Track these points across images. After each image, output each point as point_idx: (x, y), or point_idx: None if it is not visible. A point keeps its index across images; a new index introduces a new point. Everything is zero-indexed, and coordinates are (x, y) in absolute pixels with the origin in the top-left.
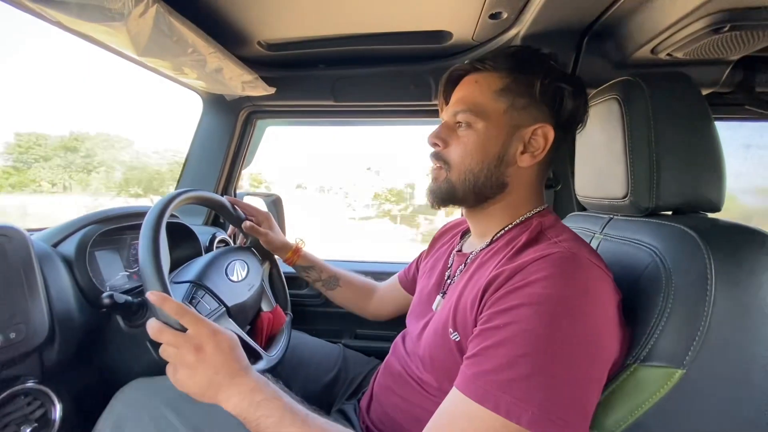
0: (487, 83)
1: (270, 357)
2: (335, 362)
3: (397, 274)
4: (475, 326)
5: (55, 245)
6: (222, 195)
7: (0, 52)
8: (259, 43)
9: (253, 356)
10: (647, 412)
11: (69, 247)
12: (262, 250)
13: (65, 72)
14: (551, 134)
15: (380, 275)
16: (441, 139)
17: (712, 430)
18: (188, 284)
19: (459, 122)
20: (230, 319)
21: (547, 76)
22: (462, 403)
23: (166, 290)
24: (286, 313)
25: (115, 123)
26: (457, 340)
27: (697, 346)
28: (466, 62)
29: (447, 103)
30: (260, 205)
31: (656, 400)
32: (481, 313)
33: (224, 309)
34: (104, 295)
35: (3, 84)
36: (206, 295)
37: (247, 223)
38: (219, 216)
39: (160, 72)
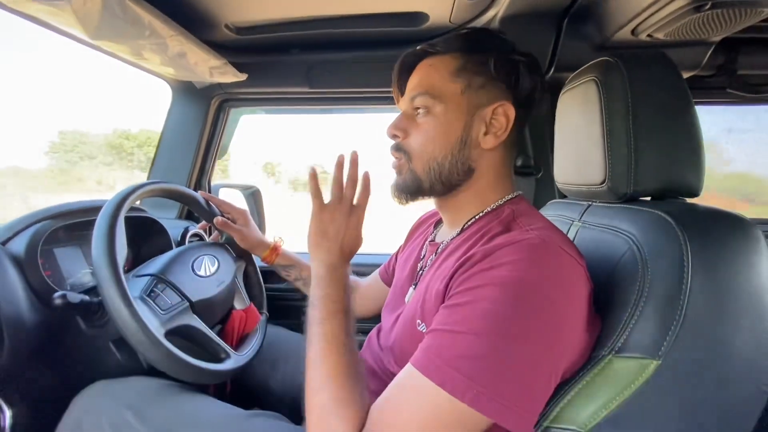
0: (443, 65)
1: (239, 356)
2: None
3: (378, 269)
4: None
5: (4, 243)
6: (195, 187)
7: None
8: (226, 26)
9: (220, 355)
10: (622, 404)
11: (18, 245)
12: (237, 247)
13: (105, 69)
14: (512, 112)
15: (364, 267)
16: (400, 129)
17: (689, 421)
18: (148, 277)
19: (417, 108)
20: (194, 315)
21: (501, 52)
22: (412, 376)
23: (120, 286)
24: (261, 313)
25: (154, 120)
26: (424, 331)
27: (672, 336)
28: (418, 48)
29: (402, 93)
30: (238, 197)
31: (631, 392)
32: (447, 298)
33: (187, 304)
34: (56, 294)
35: (43, 81)
36: (167, 288)
37: (220, 218)
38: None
39: (122, 58)
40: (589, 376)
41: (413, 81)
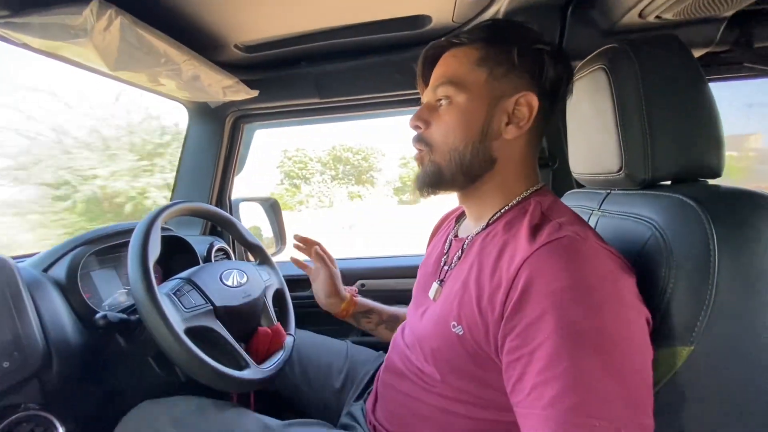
0: (465, 55)
1: (259, 369)
2: (343, 361)
3: None
4: (487, 330)
5: (45, 270)
6: (217, 203)
7: None
8: (236, 46)
9: (240, 363)
10: (658, 393)
11: (59, 271)
12: (269, 265)
13: None
14: (535, 102)
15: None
16: (422, 120)
17: (729, 407)
18: (177, 280)
19: (439, 99)
20: (216, 320)
21: (524, 41)
22: None
23: (152, 295)
24: (288, 334)
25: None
26: (460, 333)
27: (703, 321)
28: (442, 39)
29: (426, 86)
30: (257, 209)
31: (666, 380)
32: (501, 322)
33: (210, 307)
34: (98, 315)
35: None
36: (193, 290)
37: (317, 248)
38: (216, 226)
39: (139, 85)
40: None
41: (437, 72)
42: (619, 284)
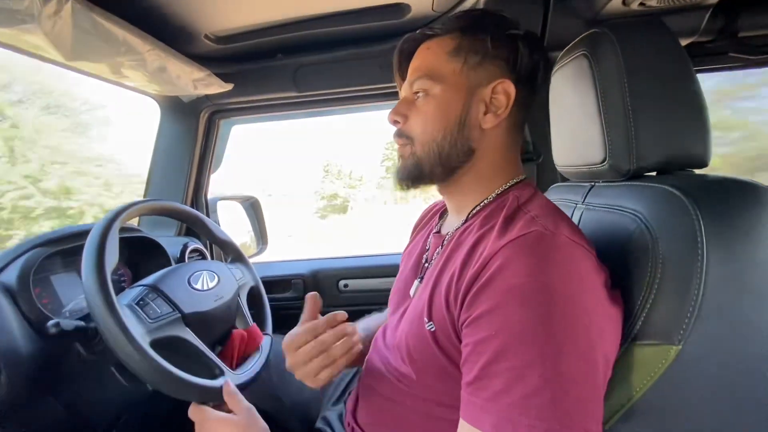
0: (439, 47)
1: (235, 375)
2: None
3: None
4: (453, 323)
5: None
6: (192, 203)
7: None
8: (206, 36)
9: (214, 371)
10: (645, 394)
11: (10, 275)
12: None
13: None
14: (512, 89)
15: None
16: (401, 114)
17: (714, 406)
18: (140, 287)
19: (417, 93)
20: (186, 327)
21: (498, 29)
22: None
23: (111, 307)
24: (265, 333)
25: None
26: (432, 330)
27: (691, 318)
28: (416, 32)
29: (404, 80)
30: (237, 208)
31: (654, 381)
32: (460, 312)
33: (178, 315)
34: (49, 323)
35: None
36: (159, 299)
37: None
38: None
39: (103, 78)
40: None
41: (412, 65)
42: (582, 283)
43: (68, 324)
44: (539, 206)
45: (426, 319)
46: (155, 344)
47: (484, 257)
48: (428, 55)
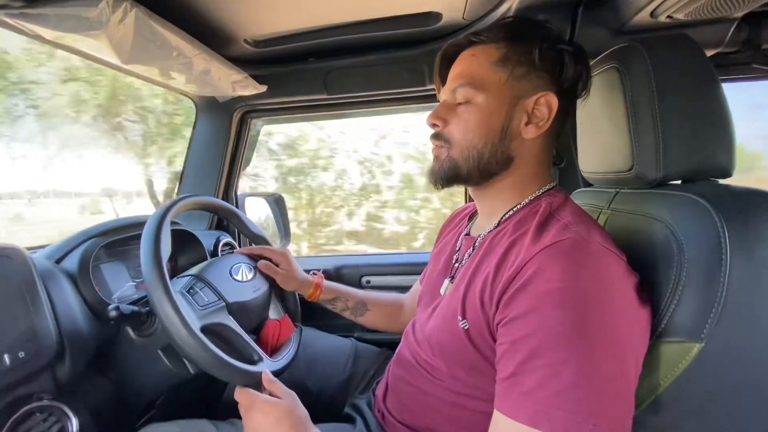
0: (485, 55)
1: (272, 362)
2: (347, 358)
3: (418, 279)
4: (488, 322)
5: (58, 261)
6: (223, 198)
7: None
8: (245, 40)
9: (253, 358)
10: (666, 389)
11: (72, 263)
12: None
13: None
14: (555, 102)
15: (405, 267)
16: (440, 119)
17: (736, 405)
18: (188, 277)
19: (459, 101)
20: (230, 316)
21: (545, 41)
22: (508, 428)
23: (169, 295)
24: (295, 324)
25: None
26: (465, 328)
27: (714, 318)
28: (461, 37)
29: (443, 83)
30: (262, 205)
31: (675, 377)
32: (495, 312)
33: (223, 304)
34: (110, 307)
35: None
36: (206, 288)
37: (262, 262)
38: (222, 220)
39: (149, 79)
40: None
41: (455, 71)
42: (614, 288)
43: (126, 308)
44: (571, 213)
45: (460, 317)
46: (204, 330)
47: (519, 261)
48: (473, 63)
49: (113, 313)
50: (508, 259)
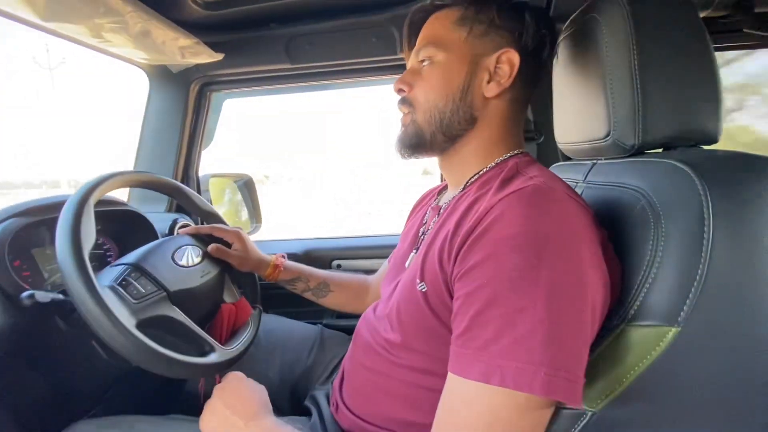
0: (446, 16)
1: (225, 350)
2: (312, 345)
3: (386, 260)
4: (446, 280)
5: None
6: (182, 178)
7: None
8: (194, 1)
9: (204, 348)
10: (637, 378)
11: None
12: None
13: None
14: (516, 59)
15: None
16: (406, 83)
17: (713, 394)
18: (121, 266)
19: (422, 61)
20: (173, 306)
21: (505, 1)
22: (461, 388)
23: (84, 273)
24: (254, 306)
25: None
26: (423, 290)
27: (693, 299)
28: (427, 2)
29: (411, 51)
30: (230, 187)
31: (647, 365)
32: (453, 267)
33: (164, 293)
34: (23, 294)
35: None
36: (142, 277)
37: (213, 245)
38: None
39: (85, 43)
40: (599, 349)
41: (420, 35)
42: (578, 235)
43: (43, 296)
44: (539, 169)
45: (418, 281)
46: (141, 325)
47: (480, 212)
48: (435, 24)
49: (27, 302)
50: (469, 214)
